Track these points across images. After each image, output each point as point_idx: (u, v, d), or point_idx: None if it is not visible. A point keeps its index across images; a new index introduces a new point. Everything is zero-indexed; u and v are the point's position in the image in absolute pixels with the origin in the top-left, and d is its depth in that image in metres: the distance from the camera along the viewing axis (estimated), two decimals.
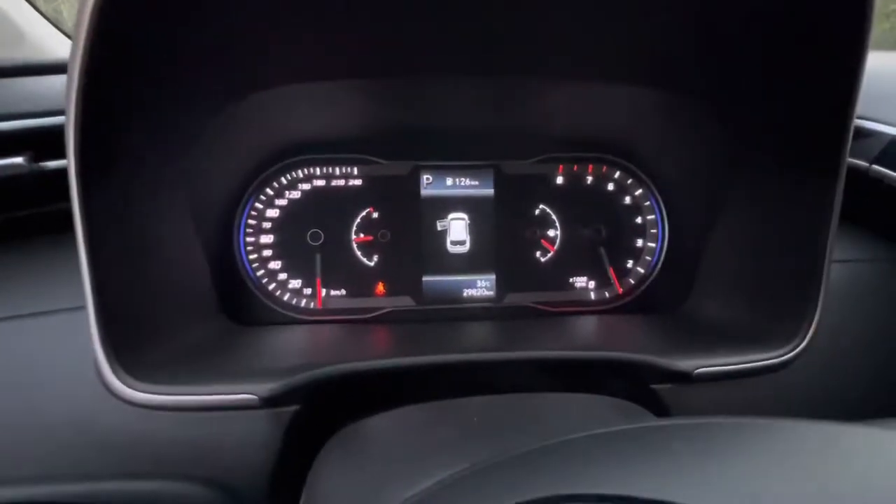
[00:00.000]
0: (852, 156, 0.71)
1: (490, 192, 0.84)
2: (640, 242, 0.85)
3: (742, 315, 0.65)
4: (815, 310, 0.54)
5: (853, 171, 0.69)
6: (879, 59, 0.87)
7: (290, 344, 0.67)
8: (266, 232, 0.80)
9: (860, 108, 0.73)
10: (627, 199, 0.85)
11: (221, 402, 0.50)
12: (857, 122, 0.71)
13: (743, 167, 0.64)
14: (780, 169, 0.58)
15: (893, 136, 0.66)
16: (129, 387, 0.47)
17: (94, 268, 0.47)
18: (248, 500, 0.51)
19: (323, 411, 0.53)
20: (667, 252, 0.85)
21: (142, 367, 0.49)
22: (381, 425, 0.47)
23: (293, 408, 0.53)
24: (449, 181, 0.83)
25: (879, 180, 0.66)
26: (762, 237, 0.63)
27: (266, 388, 0.50)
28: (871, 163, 0.67)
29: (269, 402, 0.50)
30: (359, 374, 0.53)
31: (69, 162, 0.46)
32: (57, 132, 0.61)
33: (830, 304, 0.57)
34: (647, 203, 0.85)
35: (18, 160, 0.57)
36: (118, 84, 0.47)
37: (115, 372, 0.47)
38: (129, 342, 0.50)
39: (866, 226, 0.73)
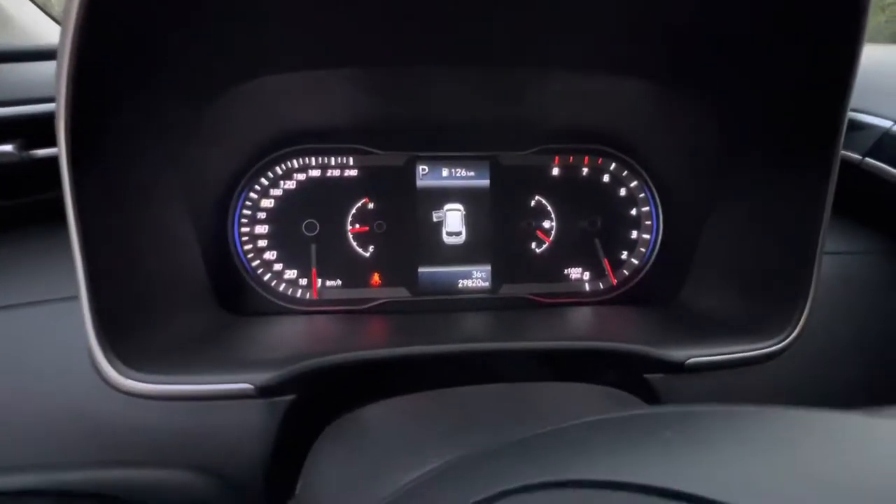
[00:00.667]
0: (845, 148, 0.71)
1: (486, 183, 0.83)
2: (634, 234, 0.86)
3: (735, 306, 0.65)
4: (807, 301, 0.55)
5: (846, 163, 0.69)
6: (874, 51, 0.87)
7: (285, 334, 0.67)
8: (261, 222, 0.79)
9: (854, 100, 0.74)
10: (623, 191, 0.85)
11: (216, 392, 0.50)
12: (851, 114, 0.71)
13: (737, 160, 0.65)
14: (773, 162, 0.59)
15: (886, 130, 0.66)
16: (124, 376, 0.47)
17: (87, 257, 0.47)
18: (244, 488, 0.51)
19: (319, 401, 0.53)
20: (661, 244, 0.85)
21: (136, 356, 0.49)
22: (377, 414, 0.47)
23: (289, 397, 0.53)
24: (445, 172, 0.83)
25: (872, 173, 0.66)
26: (755, 229, 0.64)
27: (262, 377, 0.50)
28: (864, 155, 0.67)
29: (264, 391, 0.51)
30: (354, 364, 0.53)
31: (60, 149, 0.45)
32: (47, 120, 0.60)
33: (822, 296, 0.58)
34: (642, 195, 0.85)
35: (7, 148, 0.56)
36: (108, 71, 0.46)
37: (109, 361, 0.47)
38: (124, 331, 0.49)
39: (858, 218, 0.73)
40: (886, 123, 0.66)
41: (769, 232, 0.60)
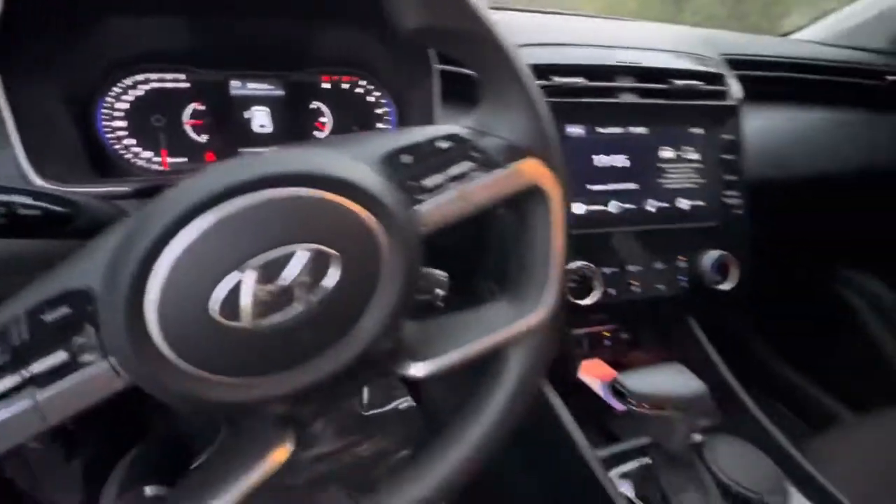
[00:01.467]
0: None
1: (281, 92, 1.30)
2: (380, 125, 1.40)
3: None
4: None
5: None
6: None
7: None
8: (119, 118, 1.16)
9: None
10: (371, 98, 1.39)
11: (110, 193, 0.92)
12: None
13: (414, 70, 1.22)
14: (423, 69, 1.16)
15: None
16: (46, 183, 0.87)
17: (14, 118, 0.85)
18: None
19: None
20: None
21: (53, 174, 0.89)
22: None
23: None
24: (251, 85, 1.27)
25: None
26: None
27: (136, 185, 0.94)
28: None
29: (139, 193, 0.94)
30: None
31: None
32: None
33: None
34: (384, 100, 1.40)
35: None
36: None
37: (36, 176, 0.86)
38: (44, 164, 0.88)
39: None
40: None
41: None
